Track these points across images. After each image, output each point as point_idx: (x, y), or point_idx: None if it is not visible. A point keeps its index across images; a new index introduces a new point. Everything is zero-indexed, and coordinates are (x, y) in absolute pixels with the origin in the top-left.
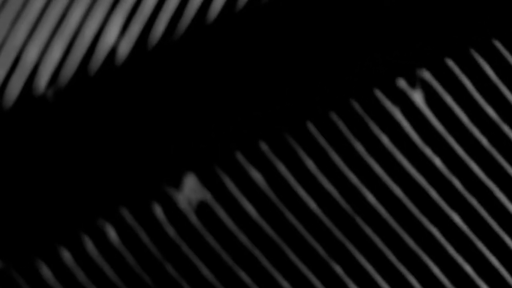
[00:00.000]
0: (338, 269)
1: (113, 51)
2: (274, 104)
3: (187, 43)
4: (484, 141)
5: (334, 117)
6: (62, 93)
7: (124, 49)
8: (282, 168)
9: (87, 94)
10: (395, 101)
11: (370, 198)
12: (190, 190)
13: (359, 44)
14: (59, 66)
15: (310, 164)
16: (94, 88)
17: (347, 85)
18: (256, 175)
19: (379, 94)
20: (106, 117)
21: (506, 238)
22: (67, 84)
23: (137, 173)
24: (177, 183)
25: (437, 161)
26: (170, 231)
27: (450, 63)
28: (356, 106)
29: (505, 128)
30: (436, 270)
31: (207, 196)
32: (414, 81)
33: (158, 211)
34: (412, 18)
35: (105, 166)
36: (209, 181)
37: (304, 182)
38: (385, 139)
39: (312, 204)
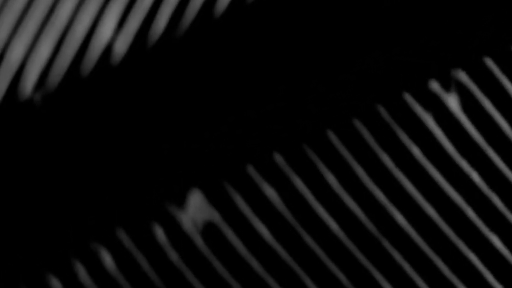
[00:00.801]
0: None
1: (108, 49)
2: (289, 110)
3: (192, 40)
4: None
5: (358, 124)
6: (51, 97)
7: (121, 47)
8: (299, 184)
9: (79, 98)
10: (427, 106)
11: (399, 218)
12: (195, 209)
13: (363, 41)
14: (47, 66)
15: (331, 179)
16: (87, 91)
17: (373, 88)
18: (270, 192)
19: (409, 98)
20: (101, 124)
21: None
22: (57, 87)
23: (135, 190)
24: (181, 201)
25: (475, 176)
26: (173, 255)
27: (489, 62)
28: (383, 112)
29: None
30: None
31: (215, 216)
32: (449, 83)
33: (159, 233)
34: (441, 14)
35: (99, 181)
36: (216, 199)
37: (325, 200)
38: (415, 150)
39: (334, 225)
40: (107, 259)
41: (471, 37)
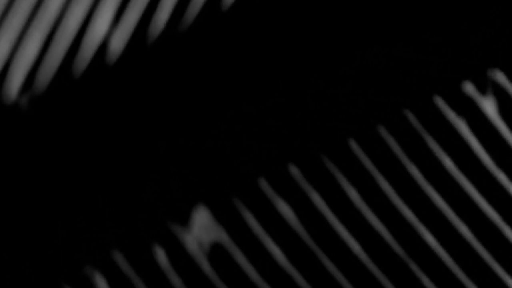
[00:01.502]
0: None
1: (103, 47)
2: (304, 116)
3: (197, 35)
4: None
5: (383, 132)
6: (39, 101)
7: (118, 44)
8: (317, 199)
9: (70, 103)
10: (460, 111)
11: (429, 239)
12: (200, 229)
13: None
14: (34, 66)
15: (353, 194)
16: (79, 94)
17: (400, 89)
18: (284, 208)
19: (440, 102)
20: (95, 131)
21: None
22: (45, 90)
23: (133, 205)
24: (185, 220)
25: None
26: (176, 281)
27: None
28: (411, 117)
29: None
30: None
31: (222, 236)
32: (485, 85)
33: (161, 255)
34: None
35: (91, 194)
36: (224, 217)
37: (345, 218)
38: (447, 161)
39: (356, 246)
40: (102, 285)
41: (509, 35)
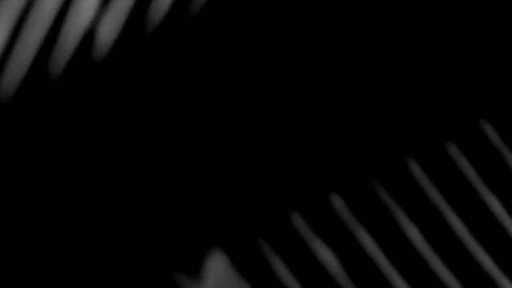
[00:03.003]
0: None
1: (88, 37)
2: (285, 96)
3: (205, 23)
4: None
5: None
6: (9, 102)
7: (107, 34)
8: (367, 242)
9: (47, 106)
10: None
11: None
12: (216, 281)
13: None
14: (2, 60)
15: (413, 232)
16: (58, 95)
17: (400, 80)
18: (325, 254)
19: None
20: (77, 145)
21: None
22: (15, 91)
23: (132, 251)
24: (197, 270)
25: None
26: None
27: None
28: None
29: None
30: None
31: None
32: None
33: None
34: None
35: (85, 238)
36: (246, 265)
37: (402, 262)
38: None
39: None
40: None
41: None
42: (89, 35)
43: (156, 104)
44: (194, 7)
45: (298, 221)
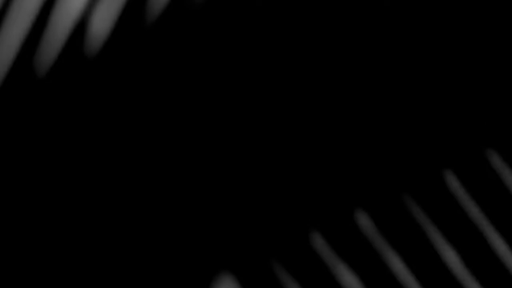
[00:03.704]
0: None
1: (80, 30)
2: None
3: (209, 15)
4: None
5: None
6: None
7: (101, 26)
8: (396, 265)
9: (33, 107)
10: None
11: None
12: None
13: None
14: None
15: (451, 255)
16: (44, 93)
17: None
18: (349, 279)
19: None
20: (67, 146)
21: None
22: (2, 86)
23: (137, 274)
24: None
25: None
26: None
27: None
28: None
29: None
30: None
31: None
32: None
33: None
34: None
35: (90, 268)
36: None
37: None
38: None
39: None
40: None
41: None
42: (81, 27)
43: (155, 104)
44: None
45: (319, 242)
